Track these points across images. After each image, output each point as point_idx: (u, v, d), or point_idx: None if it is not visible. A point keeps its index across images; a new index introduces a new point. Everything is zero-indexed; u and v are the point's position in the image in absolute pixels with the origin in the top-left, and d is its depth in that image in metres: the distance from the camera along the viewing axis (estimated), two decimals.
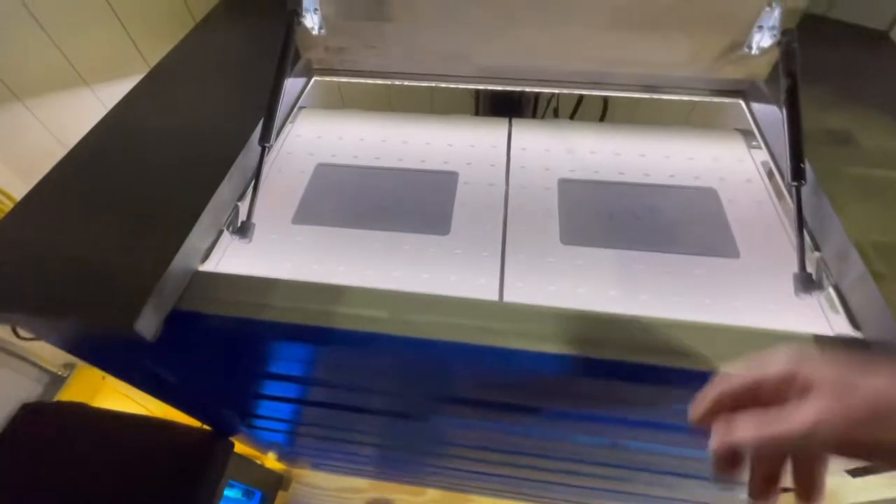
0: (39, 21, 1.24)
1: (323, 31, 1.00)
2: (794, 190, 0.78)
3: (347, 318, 0.75)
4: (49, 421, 1.42)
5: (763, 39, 0.86)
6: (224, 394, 1.11)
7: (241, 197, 0.93)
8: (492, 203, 1.04)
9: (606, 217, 1.00)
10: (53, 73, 1.33)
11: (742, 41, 0.88)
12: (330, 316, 0.75)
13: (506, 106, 1.42)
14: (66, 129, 1.48)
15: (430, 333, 0.73)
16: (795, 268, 0.88)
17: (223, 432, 1.60)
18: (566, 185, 1.07)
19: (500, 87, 1.11)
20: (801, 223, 0.76)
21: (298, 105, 1.19)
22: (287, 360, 0.96)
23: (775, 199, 1.01)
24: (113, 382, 2.43)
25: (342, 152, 1.17)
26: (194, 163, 0.87)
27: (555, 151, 1.15)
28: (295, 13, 0.95)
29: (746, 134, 1.16)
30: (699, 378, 0.68)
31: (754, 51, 0.89)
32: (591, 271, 0.91)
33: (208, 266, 0.83)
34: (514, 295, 0.86)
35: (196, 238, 0.76)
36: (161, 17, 1.32)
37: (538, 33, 0.93)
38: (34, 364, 2.20)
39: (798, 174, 0.76)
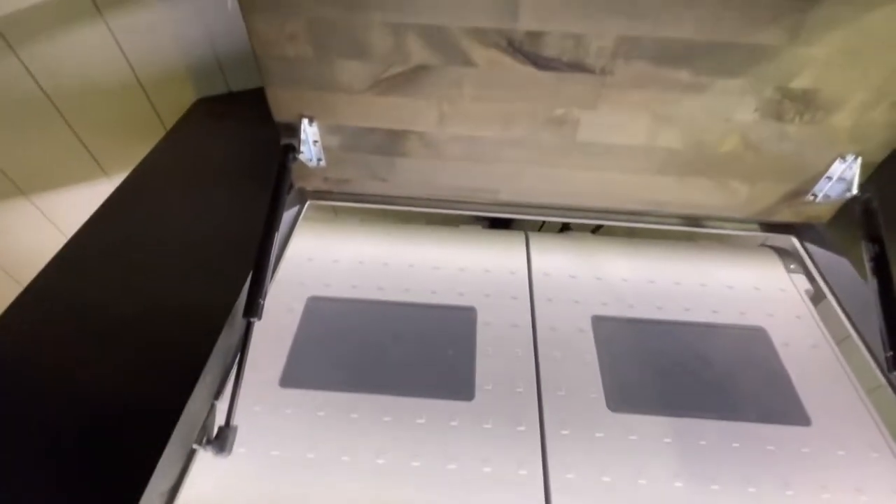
0: None
1: (322, 163, 0.85)
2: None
3: None
4: None
5: (832, 189, 0.78)
6: None
7: (218, 392, 0.74)
8: (520, 353, 0.89)
9: (654, 370, 0.87)
10: None
11: (807, 189, 0.80)
12: None
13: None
14: None
15: None
16: (875, 438, 0.77)
17: None
18: (601, 325, 0.93)
19: (524, 217, 0.98)
20: None
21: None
22: None
23: (830, 339, 0.91)
24: None
25: (338, 280, 1.00)
26: (161, 348, 0.68)
27: (582, 278, 1.02)
28: (291, 148, 0.79)
29: (781, 253, 1.08)
30: None
31: (819, 199, 0.81)
32: (649, 452, 0.76)
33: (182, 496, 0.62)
34: (564, 497, 0.70)
35: (157, 481, 0.56)
36: (123, 125, 1.14)
37: (578, 175, 0.82)
38: None
39: None
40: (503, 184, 0.88)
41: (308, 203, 0.98)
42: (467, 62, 0.70)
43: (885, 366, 0.68)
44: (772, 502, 0.71)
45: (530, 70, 0.70)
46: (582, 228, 1.40)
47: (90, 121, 1.12)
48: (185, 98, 1.18)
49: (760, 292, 1.00)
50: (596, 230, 1.42)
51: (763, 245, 1.13)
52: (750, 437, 0.78)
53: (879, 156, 0.73)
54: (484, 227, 1.37)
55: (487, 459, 0.74)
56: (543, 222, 1.45)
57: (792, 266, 1.04)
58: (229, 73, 1.20)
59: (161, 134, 1.09)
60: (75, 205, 1.18)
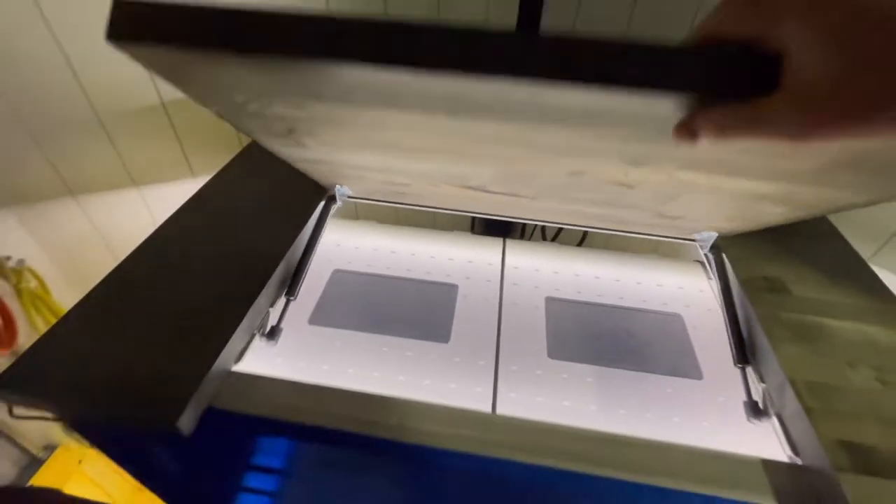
0: (108, 130, 1.44)
1: (352, 193, 1.23)
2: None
3: (364, 424, 0.85)
4: None
5: (707, 237, 1.15)
6: (233, 492, 1.14)
7: (272, 303, 1.06)
8: (487, 317, 1.17)
9: (588, 335, 1.14)
10: (107, 172, 1.51)
11: (690, 237, 1.18)
12: (349, 420, 0.85)
13: (499, 225, 1.62)
14: (106, 221, 1.63)
15: (432, 442, 0.82)
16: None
17: None
18: (552, 304, 1.22)
19: (503, 219, 1.31)
20: (745, 378, 0.93)
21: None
22: (302, 460, 1.02)
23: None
24: (87, 469, 2.30)
25: (357, 260, 1.32)
26: (237, 277, 1.01)
27: (543, 271, 1.31)
28: (332, 198, 1.20)
29: (705, 267, 1.36)
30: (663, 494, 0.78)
31: (699, 240, 1.19)
32: (575, 385, 1.02)
33: (241, 367, 0.93)
34: (506, 405, 0.96)
35: (234, 343, 0.87)
36: (212, 137, 1.55)
37: (537, 203, 1.15)
38: (15, 444, 2.11)
39: (742, 360, 1.00)
40: (486, 206, 1.25)
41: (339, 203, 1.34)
42: (437, 186, 1.10)
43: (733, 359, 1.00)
44: (662, 423, 0.95)
45: (481, 193, 1.07)
46: (569, 242, 1.71)
47: (190, 131, 1.53)
48: None
49: (683, 290, 1.27)
50: (581, 242, 1.73)
51: (695, 260, 1.42)
52: (654, 384, 1.03)
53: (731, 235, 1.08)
54: (476, 232, 1.70)
55: (453, 379, 1.01)
56: (534, 229, 1.79)
57: (711, 276, 1.32)
58: None
59: (238, 148, 1.48)
60: (168, 197, 1.56)
